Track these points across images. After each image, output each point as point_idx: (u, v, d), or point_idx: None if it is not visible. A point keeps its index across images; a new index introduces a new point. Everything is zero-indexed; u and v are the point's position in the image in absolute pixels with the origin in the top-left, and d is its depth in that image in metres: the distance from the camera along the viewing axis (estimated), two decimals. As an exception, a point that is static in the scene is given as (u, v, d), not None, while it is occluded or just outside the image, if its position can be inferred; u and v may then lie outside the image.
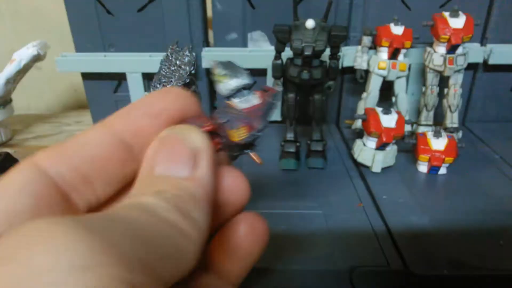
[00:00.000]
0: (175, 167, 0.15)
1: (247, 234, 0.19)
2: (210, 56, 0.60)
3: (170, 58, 0.38)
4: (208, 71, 0.63)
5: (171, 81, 0.37)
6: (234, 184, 0.19)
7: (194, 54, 0.38)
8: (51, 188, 0.15)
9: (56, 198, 0.15)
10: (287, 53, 0.49)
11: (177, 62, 0.37)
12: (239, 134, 0.19)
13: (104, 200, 0.17)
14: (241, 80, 0.19)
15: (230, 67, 0.20)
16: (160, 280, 0.12)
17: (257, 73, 0.62)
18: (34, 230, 0.11)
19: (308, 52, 0.46)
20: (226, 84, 0.19)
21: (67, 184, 0.16)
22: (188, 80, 0.37)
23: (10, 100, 0.68)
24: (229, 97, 0.19)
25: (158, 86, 0.38)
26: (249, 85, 0.20)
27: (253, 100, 0.19)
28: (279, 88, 0.21)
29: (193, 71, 0.38)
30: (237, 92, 0.19)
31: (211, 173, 0.16)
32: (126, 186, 0.17)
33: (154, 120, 0.17)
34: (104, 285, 0.10)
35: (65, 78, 0.85)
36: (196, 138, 0.16)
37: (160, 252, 0.12)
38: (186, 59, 0.37)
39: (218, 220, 0.19)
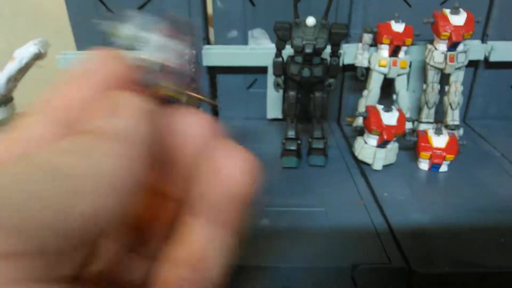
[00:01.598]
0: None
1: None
2: (210, 54, 0.60)
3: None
4: (209, 69, 0.63)
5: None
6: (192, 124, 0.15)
7: (196, 48, 0.37)
8: None
9: None
10: (288, 50, 0.49)
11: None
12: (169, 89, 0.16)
13: None
14: (134, 25, 0.16)
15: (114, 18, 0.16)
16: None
17: (259, 71, 0.62)
18: None
19: (309, 49, 0.46)
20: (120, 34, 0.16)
21: None
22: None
23: (12, 99, 0.68)
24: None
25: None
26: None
27: (166, 48, 0.16)
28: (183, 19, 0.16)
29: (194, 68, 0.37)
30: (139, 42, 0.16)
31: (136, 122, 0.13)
32: None
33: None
34: None
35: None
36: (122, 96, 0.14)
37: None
38: (186, 57, 0.37)
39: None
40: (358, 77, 0.58)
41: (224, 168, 0.14)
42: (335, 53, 0.49)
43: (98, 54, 0.15)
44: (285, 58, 0.51)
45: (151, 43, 0.16)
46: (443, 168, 0.50)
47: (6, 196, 0.09)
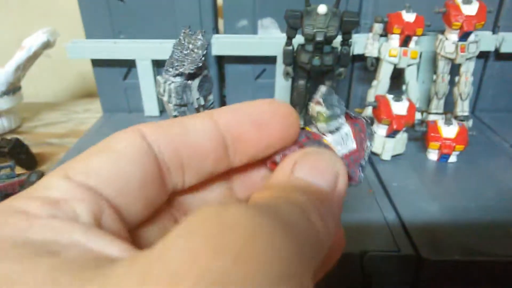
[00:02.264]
0: (319, 177, 0.15)
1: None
2: (220, 43, 0.60)
3: (183, 42, 0.38)
4: (218, 58, 0.63)
5: (184, 64, 0.37)
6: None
7: (206, 38, 0.38)
8: (154, 163, 0.15)
9: (155, 174, 0.15)
10: (298, 39, 0.49)
11: (190, 46, 0.37)
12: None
13: (184, 189, 0.17)
14: (341, 121, 0.18)
15: (331, 105, 0.18)
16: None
17: (267, 61, 0.62)
18: (248, 226, 0.11)
19: (319, 37, 0.45)
20: (329, 125, 0.18)
21: (164, 164, 0.15)
22: (200, 64, 0.37)
23: (19, 88, 0.68)
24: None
25: (170, 70, 0.38)
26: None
27: (348, 140, 0.18)
28: (365, 119, 0.19)
29: (205, 55, 0.38)
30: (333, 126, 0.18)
31: (343, 197, 0.16)
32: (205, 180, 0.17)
33: (257, 130, 0.16)
34: None
35: (74, 66, 0.85)
36: (338, 162, 0.16)
37: (311, 253, 0.13)
38: (199, 42, 0.37)
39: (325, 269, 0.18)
40: (368, 67, 0.58)
41: None
42: (345, 42, 0.49)
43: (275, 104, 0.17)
44: (295, 47, 0.50)
45: (338, 137, 0.18)
46: (452, 158, 0.50)
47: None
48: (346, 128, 0.18)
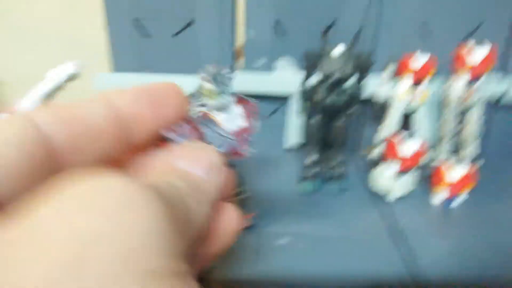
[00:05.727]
0: (196, 166, 0.17)
1: (219, 227, 0.19)
2: (239, 81, 0.63)
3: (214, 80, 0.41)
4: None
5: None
6: (227, 218, 0.19)
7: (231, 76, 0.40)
8: (42, 148, 0.15)
9: (46, 160, 0.15)
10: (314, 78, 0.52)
11: (216, 84, 0.40)
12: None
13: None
14: (229, 98, 0.20)
15: (221, 82, 0.20)
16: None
17: (280, 100, 0.65)
18: (121, 191, 0.12)
19: (336, 77, 0.48)
20: (217, 102, 0.19)
21: (57, 148, 0.15)
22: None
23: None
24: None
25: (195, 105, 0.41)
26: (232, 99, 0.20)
27: (237, 119, 0.20)
28: (255, 102, 0.20)
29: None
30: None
31: (221, 184, 0.18)
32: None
33: (153, 107, 0.18)
34: (177, 251, 0.12)
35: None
36: (213, 153, 0.18)
37: (186, 234, 0.14)
38: (225, 80, 0.40)
39: (211, 250, 0.19)
40: (378, 109, 0.60)
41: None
42: (360, 82, 0.52)
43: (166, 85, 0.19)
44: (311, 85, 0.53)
45: (228, 115, 0.19)
46: (458, 201, 0.51)
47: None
48: (237, 108, 0.20)
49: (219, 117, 0.19)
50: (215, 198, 0.17)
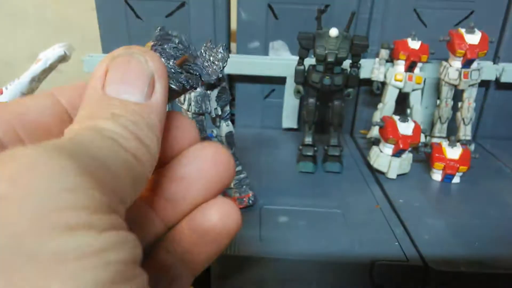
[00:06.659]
0: (130, 90, 0.15)
1: (218, 221, 0.18)
2: (232, 62, 0.62)
3: (204, 54, 0.40)
4: (229, 77, 0.66)
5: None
6: (180, 122, 0.18)
7: (227, 51, 0.40)
8: None
9: None
10: (309, 60, 0.52)
11: (211, 58, 0.39)
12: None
13: None
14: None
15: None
16: (122, 202, 0.13)
17: (277, 81, 0.64)
18: (24, 156, 0.12)
19: (331, 58, 0.48)
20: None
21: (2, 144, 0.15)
22: (221, 75, 0.39)
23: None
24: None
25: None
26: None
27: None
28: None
29: (225, 67, 0.40)
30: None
31: (165, 100, 0.16)
32: None
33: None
34: (90, 204, 0.12)
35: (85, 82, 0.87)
36: (153, 61, 0.16)
37: (120, 175, 0.13)
38: (220, 55, 0.40)
39: (169, 153, 0.18)
40: (374, 90, 0.60)
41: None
42: (355, 64, 0.51)
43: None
44: (306, 67, 0.53)
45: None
46: (456, 179, 0.52)
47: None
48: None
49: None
50: (161, 118, 0.16)
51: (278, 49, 0.64)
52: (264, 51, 0.64)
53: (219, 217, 0.18)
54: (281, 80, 0.64)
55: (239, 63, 0.63)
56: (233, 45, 0.66)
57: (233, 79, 0.66)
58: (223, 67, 0.41)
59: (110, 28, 0.63)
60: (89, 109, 0.15)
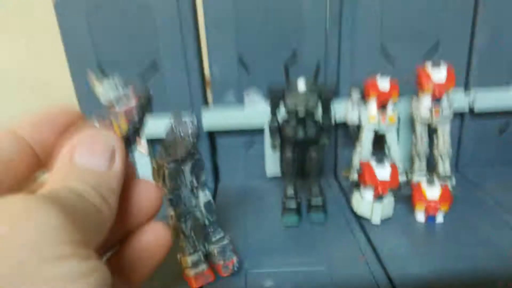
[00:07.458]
0: (95, 160, 0.19)
1: (151, 242, 0.22)
2: (209, 117, 0.63)
3: (174, 130, 0.41)
4: (209, 134, 0.66)
5: (176, 151, 0.41)
6: (145, 192, 0.22)
7: (197, 125, 0.41)
8: None
9: None
10: (283, 113, 0.52)
11: (182, 134, 0.41)
12: (121, 127, 0.22)
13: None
14: (117, 93, 0.23)
15: (107, 82, 0.23)
16: (91, 240, 0.17)
17: (256, 131, 0.65)
18: (20, 203, 0.14)
19: (301, 114, 0.49)
20: (104, 95, 0.23)
21: None
22: (193, 151, 0.40)
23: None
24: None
25: (164, 155, 0.41)
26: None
27: (129, 102, 0.23)
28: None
29: (196, 141, 0.41)
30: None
31: (123, 168, 0.20)
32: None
33: (58, 136, 0.20)
34: (73, 239, 0.15)
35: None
36: (112, 137, 0.20)
37: (88, 221, 0.17)
38: (190, 131, 0.41)
39: (131, 224, 0.21)
40: (351, 135, 0.61)
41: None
42: (326, 113, 0.52)
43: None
44: (279, 119, 0.53)
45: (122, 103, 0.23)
46: (439, 219, 0.52)
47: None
48: (127, 94, 0.23)
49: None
50: (119, 183, 0.19)
51: (253, 97, 0.64)
52: (239, 100, 0.65)
53: (154, 238, 0.22)
54: (261, 130, 0.64)
55: (217, 118, 0.63)
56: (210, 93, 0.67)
57: (214, 133, 0.67)
58: (194, 142, 0.42)
59: (83, 89, 0.64)
60: (62, 174, 0.18)
